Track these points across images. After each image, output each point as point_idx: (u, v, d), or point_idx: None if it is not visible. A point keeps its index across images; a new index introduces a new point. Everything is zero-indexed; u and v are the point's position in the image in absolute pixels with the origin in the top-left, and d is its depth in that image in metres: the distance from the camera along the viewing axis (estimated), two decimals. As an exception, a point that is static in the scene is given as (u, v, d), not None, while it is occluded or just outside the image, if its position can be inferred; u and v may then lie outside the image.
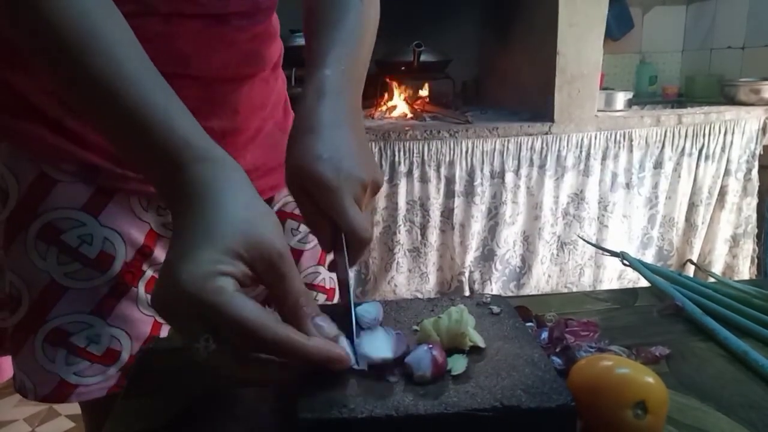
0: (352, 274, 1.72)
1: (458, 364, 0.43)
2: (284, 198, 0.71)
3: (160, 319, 0.64)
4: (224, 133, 0.62)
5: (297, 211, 0.72)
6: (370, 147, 1.63)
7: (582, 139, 1.76)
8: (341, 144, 0.49)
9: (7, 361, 0.65)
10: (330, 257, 0.49)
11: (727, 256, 1.98)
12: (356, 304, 0.51)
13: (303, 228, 0.73)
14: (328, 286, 0.77)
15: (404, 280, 1.76)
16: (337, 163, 0.47)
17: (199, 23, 0.56)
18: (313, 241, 0.74)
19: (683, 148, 1.84)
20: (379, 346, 0.43)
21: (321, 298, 0.76)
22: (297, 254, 0.73)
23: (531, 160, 1.74)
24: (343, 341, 0.41)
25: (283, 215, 0.71)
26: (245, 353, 0.37)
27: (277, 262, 0.38)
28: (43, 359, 0.58)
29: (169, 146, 0.40)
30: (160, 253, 0.62)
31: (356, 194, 0.48)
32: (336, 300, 0.79)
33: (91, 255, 0.58)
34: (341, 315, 0.46)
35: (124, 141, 0.42)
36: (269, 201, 0.70)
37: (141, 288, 0.61)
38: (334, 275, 0.78)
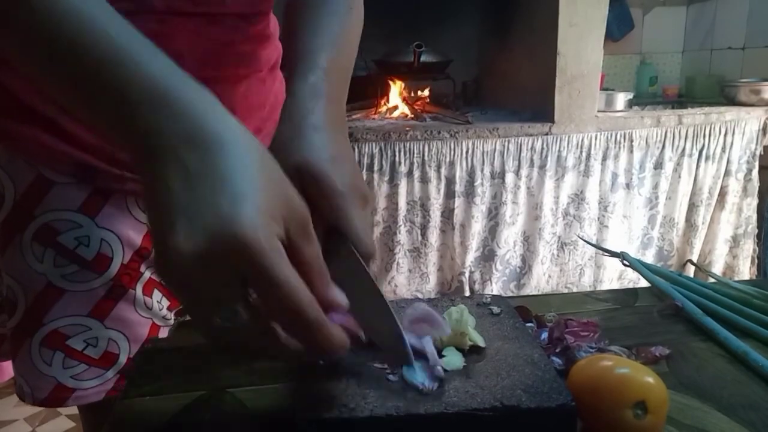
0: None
1: (454, 360, 0.43)
2: None
3: (158, 322, 0.63)
4: None
5: None
6: (370, 149, 1.63)
7: (582, 140, 1.76)
8: (343, 152, 0.47)
9: (7, 361, 0.65)
10: None
11: (728, 257, 1.97)
12: None
13: None
14: None
15: (404, 281, 1.76)
16: (342, 169, 0.45)
17: (195, 22, 0.56)
18: None
19: (683, 149, 1.84)
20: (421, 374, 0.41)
21: None
22: None
23: (531, 160, 1.74)
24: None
25: None
26: (267, 325, 0.35)
27: (308, 224, 0.36)
28: (40, 363, 0.58)
29: (154, 74, 0.35)
30: None
31: (361, 206, 0.45)
32: None
33: (89, 257, 0.57)
34: None
35: (101, 89, 0.35)
36: None
37: (138, 290, 0.61)
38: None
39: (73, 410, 1.86)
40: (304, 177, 0.44)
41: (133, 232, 0.60)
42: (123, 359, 0.60)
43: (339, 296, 0.38)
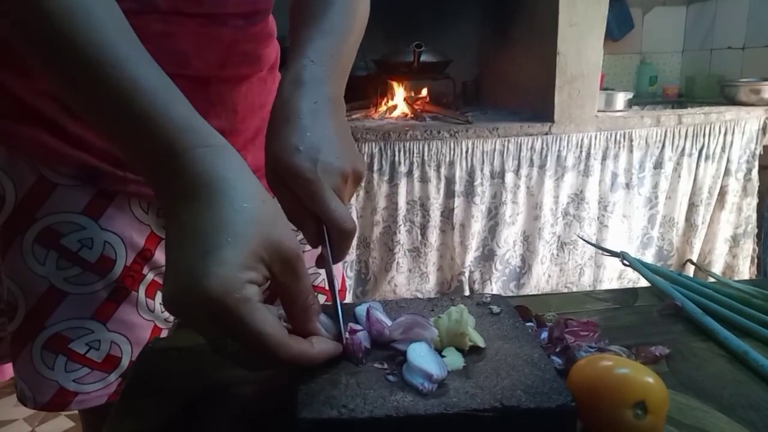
0: (352, 273, 1.72)
1: (454, 360, 0.43)
2: None
3: (160, 324, 0.63)
4: (223, 134, 0.61)
5: None
6: (370, 149, 1.63)
7: (582, 140, 1.76)
8: (319, 134, 0.47)
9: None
10: (317, 252, 0.48)
11: (727, 256, 1.98)
12: (356, 304, 0.51)
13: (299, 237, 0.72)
14: (328, 287, 0.77)
15: (404, 280, 1.76)
16: (314, 155, 0.45)
17: (198, 23, 0.56)
18: None
19: (683, 149, 1.84)
20: (429, 361, 0.42)
21: (321, 299, 0.76)
22: None
23: (531, 160, 1.74)
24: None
25: None
26: (262, 358, 0.38)
27: (295, 264, 0.39)
28: (42, 367, 0.57)
29: (168, 131, 0.38)
30: (160, 256, 0.62)
31: (336, 185, 0.46)
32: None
33: (92, 259, 0.57)
34: (352, 316, 0.47)
35: (120, 131, 0.40)
36: None
37: (141, 292, 0.60)
38: None
39: (73, 410, 1.86)
40: (281, 173, 0.46)
41: (136, 233, 0.59)
42: (125, 362, 0.60)
43: (320, 329, 0.42)
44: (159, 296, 0.63)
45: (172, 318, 0.65)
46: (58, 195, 0.56)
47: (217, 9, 0.57)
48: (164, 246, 0.39)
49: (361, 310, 0.49)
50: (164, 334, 0.63)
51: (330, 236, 0.47)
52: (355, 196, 1.66)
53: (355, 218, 1.68)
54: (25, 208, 0.56)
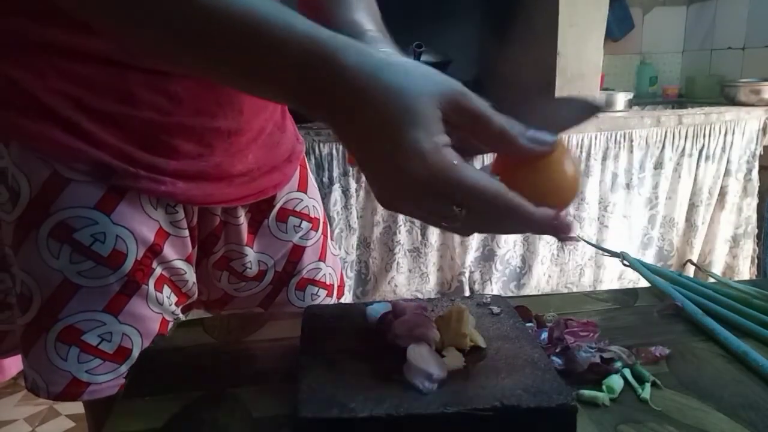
0: (352, 273, 1.72)
1: (454, 360, 0.43)
2: (286, 195, 0.72)
3: (168, 317, 0.64)
4: (229, 133, 0.62)
5: (298, 208, 0.73)
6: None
7: (582, 140, 1.76)
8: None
9: (8, 361, 0.65)
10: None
11: (727, 257, 1.98)
12: (366, 304, 0.52)
13: (304, 225, 0.73)
14: (328, 282, 0.78)
15: (404, 280, 1.76)
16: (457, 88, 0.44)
17: None
18: (313, 238, 0.75)
19: (683, 149, 1.84)
20: (429, 361, 0.42)
21: (321, 293, 0.77)
22: (299, 250, 0.73)
23: (531, 160, 1.73)
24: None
25: (285, 212, 0.72)
26: (491, 215, 0.40)
27: (465, 104, 0.40)
28: (56, 358, 0.59)
29: (305, 43, 0.39)
30: (169, 252, 0.63)
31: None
32: (335, 297, 0.79)
33: (104, 253, 0.58)
34: (354, 316, 0.47)
35: (245, 61, 0.41)
36: (271, 199, 0.70)
37: (151, 285, 0.62)
38: (333, 270, 0.79)
39: (74, 410, 1.86)
40: (446, 118, 0.42)
41: (146, 228, 0.60)
42: (136, 354, 0.61)
43: (539, 136, 0.42)
44: (166, 290, 0.64)
45: (179, 311, 0.67)
46: (71, 190, 0.57)
47: None
48: (348, 147, 0.42)
49: (373, 311, 0.49)
50: (172, 326, 0.64)
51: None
52: (355, 195, 1.66)
53: (354, 218, 1.68)
54: (40, 203, 0.57)
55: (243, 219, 0.68)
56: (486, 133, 0.41)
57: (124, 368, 0.60)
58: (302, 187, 0.74)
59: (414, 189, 0.39)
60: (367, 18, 0.55)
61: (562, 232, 0.42)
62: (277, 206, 0.71)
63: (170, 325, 0.64)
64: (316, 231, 0.75)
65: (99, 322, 0.59)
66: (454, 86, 0.40)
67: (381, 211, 1.69)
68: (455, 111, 0.40)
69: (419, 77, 0.40)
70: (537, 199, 0.41)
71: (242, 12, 0.39)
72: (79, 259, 0.58)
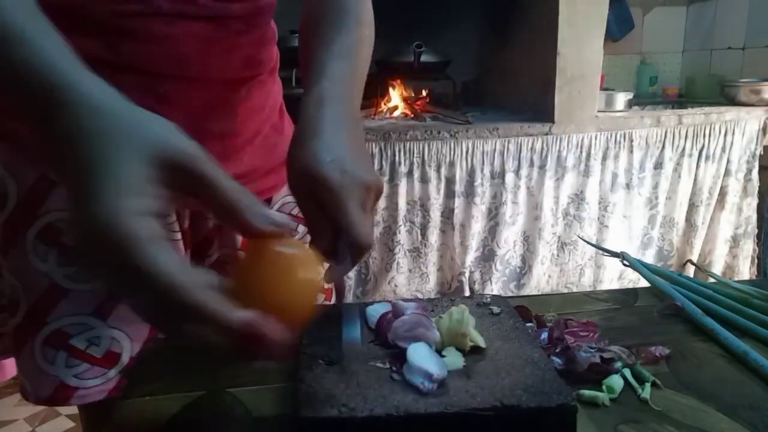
0: (352, 274, 1.72)
1: (454, 360, 0.43)
2: (282, 198, 0.72)
3: None
4: (223, 135, 0.62)
5: (295, 212, 0.72)
6: (370, 149, 1.63)
7: (582, 140, 1.76)
8: (344, 148, 0.49)
9: (8, 361, 0.65)
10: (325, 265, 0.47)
11: (727, 257, 1.97)
12: (366, 304, 0.52)
13: (301, 228, 0.73)
14: (326, 287, 0.77)
15: (404, 280, 1.76)
16: (341, 166, 0.47)
17: (201, 26, 0.56)
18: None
19: (683, 149, 1.84)
20: (429, 361, 0.42)
21: (320, 297, 0.76)
22: None
23: (531, 160, 1.74)
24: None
25: None
26: (168, 315, 0.32)
27: (191, 167, 0.34)
28: (43, 362, 0.58)
29: (46, 89, 0.34)
30: None
31: (361, 197, 0.47)
32: (333, 299, 0.79)
33: None
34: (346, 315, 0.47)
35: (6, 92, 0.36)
36: (267, 201, 0.70)
37: None
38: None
39: (74, 410, 1.86)
40: (308, 183, 0.47)
41: None
42: (125, 358, 0.60)
43: (270, 215, 0.37)
44: None
45: None
46: (58, 193, 0.57)
47: (219, 13, 0.57)
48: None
49: (373, 311, 0.49)
50: None
51: (347, 248, 0.46)
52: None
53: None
54: (27, 206, 0.57)
55: None
56: (215, 202, 0.36)
57: (113, 373, 0.60)
58: None
59: (81, 246, 0.32)
60: (330, 62, 0.55)
61: (262, 344, 0.33)
62: (273, 209, 0.71)
63: None
64: None
65: (87, 325, 0.58)
66: (180, 146, 0.34)
67: (381, 211, 1.69)
68: (178, 174, 0.33)
69: (133, 127, 0.33)
70: (261, 298, 0.35)
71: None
72: (66, 263, 0.57)
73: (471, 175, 1.71)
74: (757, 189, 1.91)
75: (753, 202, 1.92)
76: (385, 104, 2.02)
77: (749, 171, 1.90)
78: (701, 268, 1.84)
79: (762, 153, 1.90)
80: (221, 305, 0.32)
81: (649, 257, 1.90)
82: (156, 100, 0.56)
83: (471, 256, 1.76)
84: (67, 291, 0.58)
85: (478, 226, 1.74)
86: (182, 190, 0.35)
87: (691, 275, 0.83)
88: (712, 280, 0.68)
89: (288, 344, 0.34)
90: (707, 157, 1.85)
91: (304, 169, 0.47)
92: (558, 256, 1.84)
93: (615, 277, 1.88)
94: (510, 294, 1.79)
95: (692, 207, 1.90)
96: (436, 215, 1.72)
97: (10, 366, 1.80)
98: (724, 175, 1.88)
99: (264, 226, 0.37)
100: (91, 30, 0.45)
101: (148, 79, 0.56)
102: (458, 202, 1.71)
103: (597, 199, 1.81)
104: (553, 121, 1.75)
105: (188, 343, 0.33)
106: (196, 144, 0.35)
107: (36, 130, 0.35)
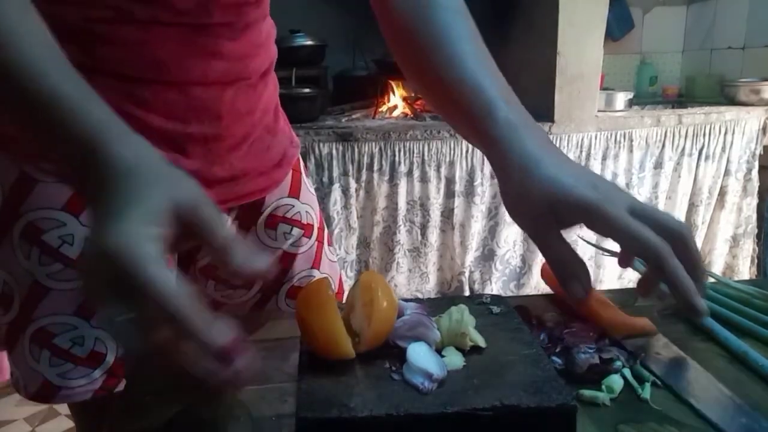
0: (352, 273, 1.72)
1: (454, 360, 0.43)
2: (276, 201, 0.70)
3: None
4: (206, 139, 0.61)
5: (289, 215, 0.71)
6: (370, 149, 1.63)
7: (582, 140, 1.76)
8: (569, 165, 0.48)
9: (8, 361, 0.65)
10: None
11: (727, 256, 1.98)
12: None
13: (295, 231, 0.71)
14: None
15: (404, 280, 1.76)
16: (586, 182, 0.46)
17: (180, 31, 0.55)
18: (306, 245, 0.73)
19: (683, 149, 1.84)
20: (429, 360, 0.42)
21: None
22: (290, 257, 0.72)
23: (531, 160, 1.74)
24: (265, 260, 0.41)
25: (274, 219, 0.70)
26: (150, 324, 0.35)
27: (198, 212, 0.38)
28: (30, 359, 0.59)
29: (84, 132, 0.39)
30: None
31: (621, 202, 0.46)
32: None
33: (73, 255, 0.57)
34: None
35: (38, 133, 0.41)
36: (259, 205, 0.69)
37: None
38: (330, 278, 0.76)
39: (59, 404, 1.86)
40: (560, 210, 0.46)
41: None
42: (110, 359, 0.60)
43: (260, 262, 0.39)
44: None
45: None
46: (38, 191, 0.56)
47: (199, 20, 0.56)
48: None
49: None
50: None
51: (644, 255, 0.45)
52: (355, 195, 1.66)
53: (354, 218, 1.68)
54: (11, 204, 0.57)
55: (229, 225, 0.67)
56: (210, 245, 0.39)
57: (97, 373, 0.60)
58: (294, 193, 0.72)
59: (100, 265, 0.35)
60: (487, 80, 0.56)
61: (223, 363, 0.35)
62: (266, 213, 0.69)
63: None
64: (309, 237, 0.73)
65: (70, 325, 0.58)
66: (196, 195, 0.39)
67: (381, 211, 1.69)
68: (188, 217, 0.38)
69: (164, 175, 0.39)
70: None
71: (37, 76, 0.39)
72: (47, 261, 0.57)
73: (471, 174, 1.71)
74: (756, 189, 1.92)
75: (753, 201, 1.92)
76: (385, 104, 2.02)
77: (749, 171, 1.90)
78: (701, 267, 1.84)
79: (762, 153, 1.90)
80: (205, 321, 0.35)
81: (649, 257, 1.90)
82: (135, 104, 0.55)
83: (471, 256, 1.76)
84: (49, 290, 0.57)
85: (478, 226, 1.75)
86: (191, 231, 0.38)
87: (691, 275, 0.83)
88: (712, 280, 0.68)
89: (249, 377, 0.36)
90: (707, 157, 1.85)
91: (550, 200, 0.46)
92: (558, 255, 1.83)
93: (615, 277, 1.88)
94: (510, 294, 1.79)
95: (692, 207, 1.90)
96: (436, 215, 1.72)
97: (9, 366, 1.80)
98: (724, 175, 1.88)
99: (246, 273, 0.39)
100: (64, 35, 0.45)
101: (126, 84, 0.55)
102: (458, 202, 1.71)
103: (597, 199, 1.81)
104: (553, 121, 1.75)
105: (166, 359, 0.36)
106: (206, 195, 0.40)
107: (58, 158, 0.40)
